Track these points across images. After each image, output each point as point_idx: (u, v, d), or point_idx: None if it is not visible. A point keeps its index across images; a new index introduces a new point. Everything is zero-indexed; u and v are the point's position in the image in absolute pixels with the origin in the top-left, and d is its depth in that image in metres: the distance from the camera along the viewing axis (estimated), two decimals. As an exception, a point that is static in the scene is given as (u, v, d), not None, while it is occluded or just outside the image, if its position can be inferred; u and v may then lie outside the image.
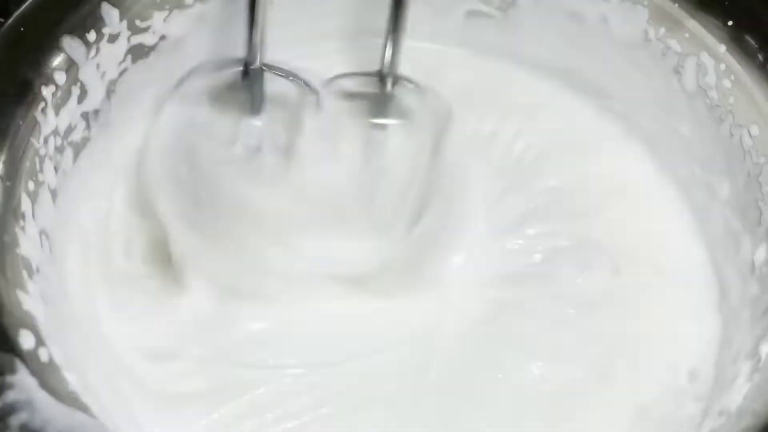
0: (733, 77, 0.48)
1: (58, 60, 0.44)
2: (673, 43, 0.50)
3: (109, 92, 0.48)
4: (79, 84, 0.45)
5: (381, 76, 0.51)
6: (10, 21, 0.44)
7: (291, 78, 0.51)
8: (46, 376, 0.37)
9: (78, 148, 0.46)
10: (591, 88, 0.55)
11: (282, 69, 0.51)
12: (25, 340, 0.38)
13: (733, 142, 0.48)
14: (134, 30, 0.48)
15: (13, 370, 0.36)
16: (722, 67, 0.48)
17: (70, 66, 0.45)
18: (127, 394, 0.44)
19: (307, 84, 0.51)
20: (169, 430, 0.44)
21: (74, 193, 0.46)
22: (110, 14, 0.47)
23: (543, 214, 0.53)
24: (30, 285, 0.40)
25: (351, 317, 0.48)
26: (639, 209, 0.53)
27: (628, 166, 0.54)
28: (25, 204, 0.41)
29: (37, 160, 0.43)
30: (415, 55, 0.54)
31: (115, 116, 0.48)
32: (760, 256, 0.47)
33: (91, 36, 0.46)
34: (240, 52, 0.50)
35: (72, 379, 0.38)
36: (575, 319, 0.49)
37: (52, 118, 0.44)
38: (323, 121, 0.51)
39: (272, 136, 0.51)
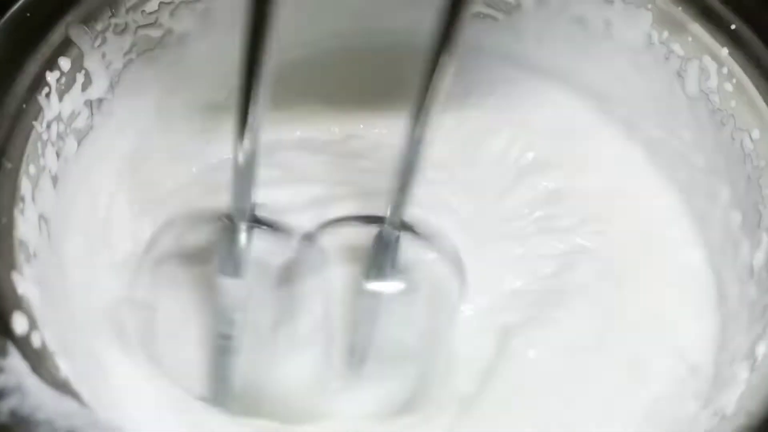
0: (735, 81, 0.48)
1: (63, 46, 0.45)
2: (676, 47, 0.50)
3: (114, 82, 0.48)
4: (83, 72, 0.46)
5: (384, 225, 0.44)
6: (17, 5, 0.44)
7: (280, 231, 0.45)
8: (38, 361, 0.37)
9: (80, 136, 0.46)
10: (592, 91, 0.55)
11: (270, 220, 0.44)
12: (19, 324, 0.37)
13: (734, 146, 0.48)
14: (140, 22, 0.49)
15: (4, 354, 0.36)
16: (724, 70, 0.48)
17: (76, 53, 0.45)
18: (120, 381, 0.43)
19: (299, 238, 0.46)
20: (159, 420, 0.43)
21: (76, 180, 0.46)
22: (117, 4, 0.47)
23: (542, 216, 0.53)
24: (26, 269, 0.40)
25: None
26: (639, 212, 0.53)
27: (629, 169, 0.54)
28: (25, 187, 0.41)
29: (39, 144, 0.43)
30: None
31: (119, 107, 0.49)
32: (759, 259, 0.46)
33: (98, 25, 0.46)
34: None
35: (64, 365, 0.38)
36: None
37: (55, 103, 0.44)
38: (315, 280, 0.46)
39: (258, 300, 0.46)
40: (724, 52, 0.48)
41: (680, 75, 0.50)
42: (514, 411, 0.46)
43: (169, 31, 0.50)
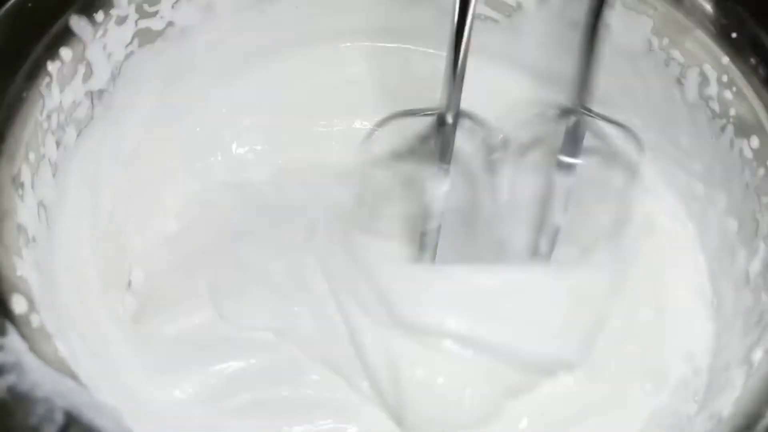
0: (734, 89, 0.48)
1: (64, 37, 0.45)
2: (676, 54, 0.50)
3: (115, 74, 0.48)
4: (85, 62, 0.46)
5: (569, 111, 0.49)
6: (19, -5, 0.44)
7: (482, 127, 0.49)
8: (37, 341, 0.37)
9: (80, 126, 0.46)
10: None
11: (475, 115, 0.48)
12: (18, 305, 0.38)
13: (732, 154, 0.48)
14: (142, 14, 0.49)
15: (2, 332, 0.37)
16: (724, 78, 0.48)
17: (77, 44, 0.45)
18: (118, 365, 0.44)
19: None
20: (156, 401, 0.44)
21: (75, 169, 0.46)
22: (119, -5, 0.47)
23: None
24: (25, 252, 0.40)
25: None
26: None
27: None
28: (25, 174, 0.41)
29: (39, 132, 0.43)
30: (417, 58, 0.55)
31: (119, 98, 0.49)
32: (755, 267, 0.47)
33: (99, 16, 0.46)
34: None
35: (62, 346, 0.38)
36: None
37: (56, 93, 0.44)
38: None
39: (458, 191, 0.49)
40: (725, 60, 0.48)
41: (680, 82, 0.51)
42: None
43: (171, 24, 0.50)
